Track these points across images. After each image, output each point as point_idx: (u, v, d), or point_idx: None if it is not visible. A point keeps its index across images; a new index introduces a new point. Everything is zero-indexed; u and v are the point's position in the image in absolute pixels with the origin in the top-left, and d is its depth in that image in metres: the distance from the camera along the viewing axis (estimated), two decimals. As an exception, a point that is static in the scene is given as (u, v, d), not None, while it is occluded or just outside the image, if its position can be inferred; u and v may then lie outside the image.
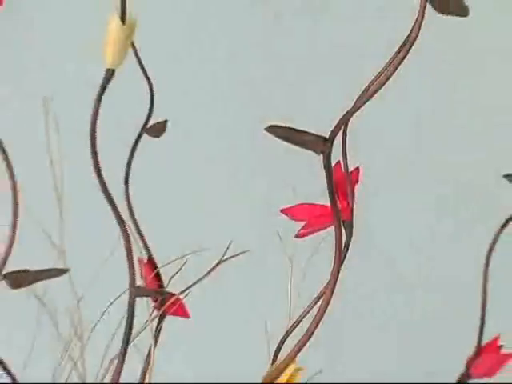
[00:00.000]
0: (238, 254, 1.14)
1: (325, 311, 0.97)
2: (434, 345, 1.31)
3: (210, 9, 1.58)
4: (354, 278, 1.08)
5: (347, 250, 0.99)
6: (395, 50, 0.91)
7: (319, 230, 1.00)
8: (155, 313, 1.09)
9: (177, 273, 1.10)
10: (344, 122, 0.93)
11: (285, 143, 0.94)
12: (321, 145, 0.95)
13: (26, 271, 1.00)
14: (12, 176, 0.89)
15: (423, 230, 1.49)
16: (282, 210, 1.01)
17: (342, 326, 1.22)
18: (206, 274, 1.10)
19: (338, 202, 0.97)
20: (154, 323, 1.09)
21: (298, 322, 1.01)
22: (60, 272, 1.01)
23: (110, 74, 0.95)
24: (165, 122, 1.11)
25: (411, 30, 0.91)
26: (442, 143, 1.55)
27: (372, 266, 1.28)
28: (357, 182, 1.00)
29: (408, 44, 0.90)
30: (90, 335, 1.11)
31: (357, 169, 0.99)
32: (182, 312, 1.11)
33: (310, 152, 0.95)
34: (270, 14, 1.57)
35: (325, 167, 0.94)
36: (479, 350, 1.07)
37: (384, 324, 1.50)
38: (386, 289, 1.47)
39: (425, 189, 1.53)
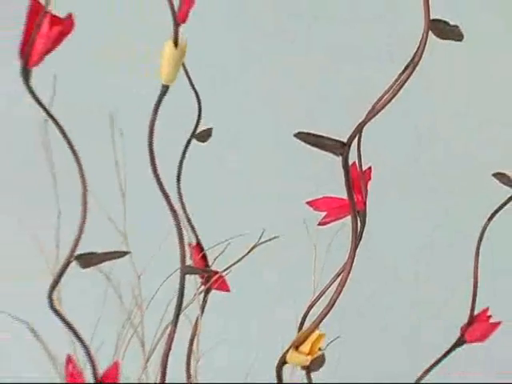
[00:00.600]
0: (269, 239, 1.17)
1: (343, 286, 0.99)
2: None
3: (249, 25, 1.58)
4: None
5: (361, 235, 1.00)
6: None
7: (338, 219, 1.03)
8: (202, 288, 1.12)
9: (220, 255, 1.12)
10: (358, 130, 0.95)
11: (310, 147, 0.97)
12: (340, 148, 0.97)
13: (94, 253, 1.02)
14: (82, 175, 0.91)
15: (421, 237, 1.49)
16: (307, 202, 1.03)
17: (344, 324, 1.22)
18: (244, 256, 1.12)
19: (354, 196, 0.99)
20: (201, 296, 1.12)
21: (320, 296, 1.03)
22: (123, 254, 1.03)
23: (165, 89, 0.97)
24: (210, 129, 1.13)
25: (415, 54, 0.94)
26: (441, 153, 1.55)
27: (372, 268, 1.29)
28: (369, 179, 1.02)
29: (412, 66, 0.92)
30: (148, 306, 1.13)
31: (369, 168, 1.01)
32: (223, 287, 1.14)
33: (330, 154, 0.98)
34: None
35: (343, 166, 0.96)
36: (472, 320, 1.09)
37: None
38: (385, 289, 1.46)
39: (423, 198, 1.53)
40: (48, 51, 0.96)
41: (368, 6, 1.57)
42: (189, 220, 1.10)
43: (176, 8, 1.00)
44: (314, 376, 1.05)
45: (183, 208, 1.08)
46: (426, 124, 1.38)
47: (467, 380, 1.26)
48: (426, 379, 1.13)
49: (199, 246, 1.12)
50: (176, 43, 0.99)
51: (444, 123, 1.44)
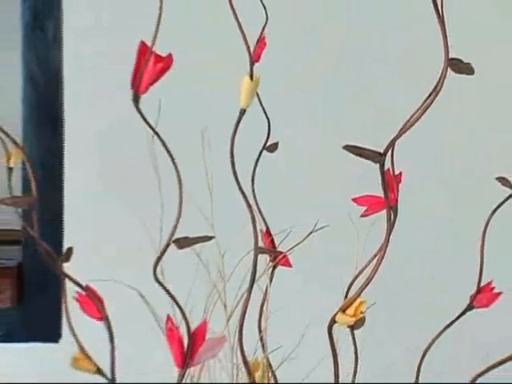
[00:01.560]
0: (322, 227, 1.18)
1: (380, 263, 1.01)
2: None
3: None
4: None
5: (393, 224, 1.01)
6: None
7: (376, 212, 1.04)
8: (270, 264, 1.14)
9: (284, 239, 1.14)
10: (392, 144, 0.96)
11: (355, 156, 0.99)
12: (378, 157, 0.99)
13: (187, 237, 1.04)
14: (179, 177, 0.93)
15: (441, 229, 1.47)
16: (352, 199, 1.05)
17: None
18: (303, 240, 1.14)
19: (389, 194, 1.01)
20: (269, 271, 1.14)
21: (361, 271, 1.04)
22: (210, 238, 1.05)
23: (242, 112, 0.99)
24: (277, 143, 1.15)
25: (437, 84, 0.95)
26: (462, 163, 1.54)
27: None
28: (400, 181, 1.03)
29: (434, 93, 0.93)
30: (230, 278, 1.15)
31: (400, 173, 1.02)
32: (287, 264, 1.15)
33: (370, 162, 0.99)
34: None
35: (380, 171, 0.98)
36: (479, 290, 1.10)
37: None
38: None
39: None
40: (153, 82, 0.99)
41: (397, 44, 1.56)
42: (260, 212, 1.11)
43: (252, 50, 1.03)
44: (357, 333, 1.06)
45: (256, 203, 1.10)
46: (445, 139, 1.37)
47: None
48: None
49: (268, 232, 1.15)
50: (251, 77, 1.01)
51: (459, 138, 1.43)
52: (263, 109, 1.08)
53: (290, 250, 1.13)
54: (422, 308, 1.30)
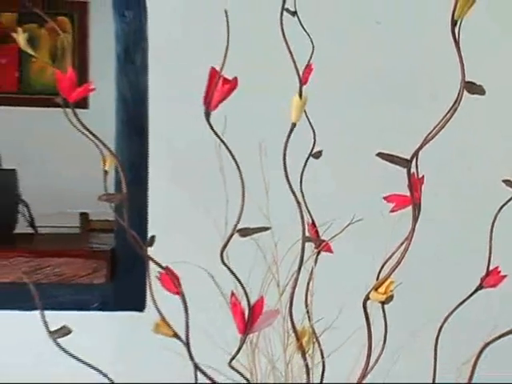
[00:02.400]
0: (358, 220, 1.18)
1: (406, 251, 1.00)
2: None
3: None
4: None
5: (417, 218, 1.00)
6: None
7: (403, 208, 1.03)
8: (315, 250, 1.13)
9: (326, 229, 1.14)
10: (416, 152, 0.95)
11: (385, 161, 0.98)
12: (405, 163, 0.98)
13: (248, 228, 1.04)
14: (242, 179, 0.94)
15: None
16: (383, 197, 1.04)
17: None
18: (342, 231, 1.13)
19: (414, 194, 1.00)
20: (314, 256, 1.14)
21: (391, 257, 1.03)
22: (266, 229, 1.05)
23: (293, 125, 0.99)
24: (321, 151, 1.15)
25: (455, 102, 0.94)
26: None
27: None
28: (423, 183, 1.01)
29: (452, 110, 0.93)
30: (282, 262, 1.15)
31: (423, 176, 1.01)
32: (329, 250, 1.14)
33: (398, 167, 0.99)
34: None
35: (407, 175, 0.97)
36: (488, 273, 1.09)
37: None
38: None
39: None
40: (221, 100, 0.99)
41: (418, 68, 1.54)
42: (307, 208, 1.11)
43: (301, 74, 1.03)
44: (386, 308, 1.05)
45: (304, 200, 1.10)
46: (460, 148, 1.35)
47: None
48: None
49: (314, 224, 1.15)
50: (300, 97, 1.01)
51: (472, 148, 1.42)
52: (310, 122, 1.08)
53: (331, 239, 1.13)
54: (441, 287, 1.28)
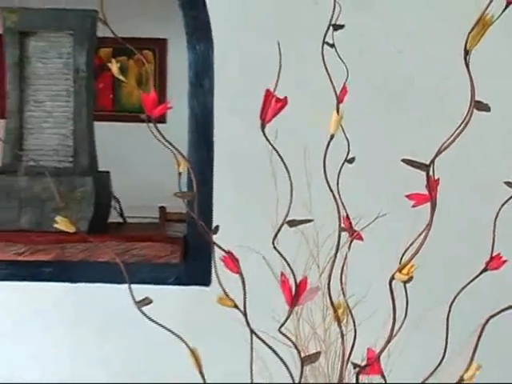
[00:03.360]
0: (384, 214, 1.16)
1: (425, 239, 0.98)
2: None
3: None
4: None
5: (434, 211, 0.98)
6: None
7: (421, 204, 1.01)
8: (349, 238, 1.10)
9: (358, 222, 1.11)
10: (434, 159, 0.93)
11: (408, 166, 0.96)
12: (425, 167, 0.96)
13: (295, 220, 1.03)
14: (290, 179, 0.93)
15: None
16: (406, 195, 1.01)
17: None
18: (371, 223, 1.12)
19: (432, 192, 0.98)
20: (348, 243, 1.10)
21: (411, 244, 1.01)
22: (309, 221, 1.04)
23: (331, 136, 0.97)
24: (354, 158, 1.13)
25: (465, 117, 0.92)
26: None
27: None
28: (438, 184, 0.99)
29: (464, 124, 0.90)
30: (322, 248, 1.14)
31: (438, 178, 0.98)
32: (360, 238, 1.10)
33: (419, 170, 0.97)
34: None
35: (426, 177, 0.95)
36: (492, 258, 1.06)
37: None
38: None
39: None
40: (274, 115, 0.98)
41: (430, 86, 1.52)
42: (342, 203, 1.09)
43: (338, 94, 1.01)
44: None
45: (340, 197, 1.07)
46: (470, 155, 1.32)
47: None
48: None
49: (348, 217, 1.12)
50: (338, 112, 1.00)
51: (480, 155, 1.40)
52: (344, 134, 1.06)
53: (362, 229, 1.10)
54: (452, 269, 1.25)
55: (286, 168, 1.03)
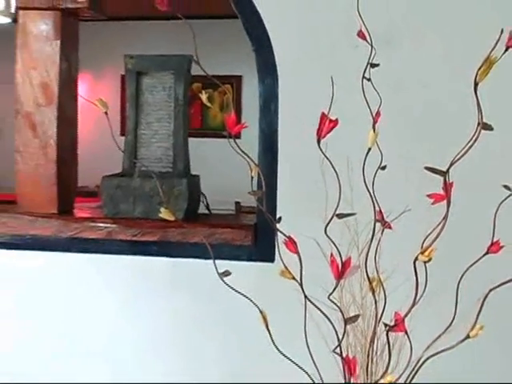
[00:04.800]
0: (409, 210, 1.14)
1: (442, 229, 0.97)
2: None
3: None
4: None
5: (449, 207, 0.96)
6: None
7: (439, 202, 0.98)
8: (381, 227, 1.07)
9: (389, 215, 1.09)
10: (449, 167, 0.92)
11: (429, 172, 0.95)
12: (442, 173, 0.95)
13: (341, 213, 1.03)
14: (339, 182, 0.93)
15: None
16: (427, 195, 0.99)
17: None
18: (398, 216, 1.10)
19: (448, 192, 0.96)
20: (381, 231, 1.08)
21: (430, 233, 1.00)
22: (352, 214, 1.04)
23: (369, 149, 0.98)
24: (385, 165, 1.11)
25: (474, 133, 0.91)
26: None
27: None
28: (452, 186, 0.97)
29: (474, 139, 0.89)
30: (360, 234, 1.13)
31: (452, 182, 0.96)
32: (390, 227, 1.07)
33: (438, 176, 0.95)
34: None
35: (443, 181, 0.94)
36: (492, 243, 1.03)
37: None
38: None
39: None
40: (327, 133, 0.99)
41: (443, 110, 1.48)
42: (377, 201, 1.06)
43: (374, 117, 1.01)
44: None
45: (375, 196, 1.05)
46: (479, 163, 1.26)
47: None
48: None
49: (381, 211, 1.08)
50: (374, 131, 0.99)
51: (486, 164, 1.35)
52: (378, 147, 1.05)
53: (392, 220, 1.08)
54: (462, 253, 1.19)
55: (336, 173, 1.03)
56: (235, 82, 4.27)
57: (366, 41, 1.09)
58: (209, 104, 1.18)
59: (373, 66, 1.09)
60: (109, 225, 1.73)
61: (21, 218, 1.78)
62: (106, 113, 1.11)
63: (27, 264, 1.80)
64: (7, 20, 1.62)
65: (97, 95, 1.17)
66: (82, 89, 2.19)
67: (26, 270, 1.81)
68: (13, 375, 1.82)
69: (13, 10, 1.60)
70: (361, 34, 1.10)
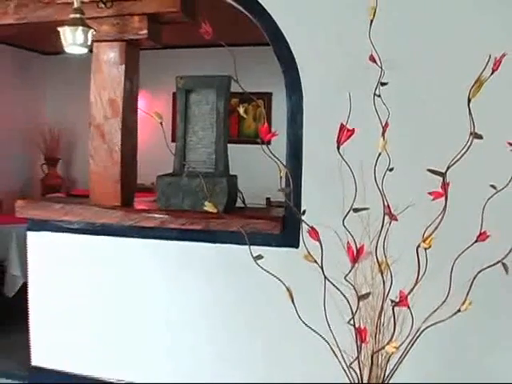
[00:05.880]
0: (413, 204, 1.13)
1: (440, 222, 0.95)
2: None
3: None
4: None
5: (446, 204, 0.96)
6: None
7: (438, 198, 0.98)
8: (388, 219, 1.07)
9: (396, 209, 1.08)
10: (446, 170, 0.92)
11: (430, 173, 0.94)
12: (442, 174, 0.95)
13: (357, 208, 1.02)
14: (355, 182, 0.93)
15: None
16: (428, 192, 0.99)
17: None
18: (403, 210, 1.09)
19: (445, 191, 0.96)
20: (388, 223, 1.07)
21: (431, 224, 0.99)
22: (366, 208, 1.03)
23: (379, 154, 0.96)
24: (393, 168, 1.10)
25: (467, 141, 0.89)
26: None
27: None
28: (449, 185, 0.95)
29: (467, 146, 0.88)
30: (371, 225, 1.12)
31: (449, 182, 0.95)
32: (396, 219, 1.06)
33: (438, 177, 0.95)
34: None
35: (442, 180, 0.94)
36: (480, 233, 1.02)
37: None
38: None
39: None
40: (345, 141, 0.99)
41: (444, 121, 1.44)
42: (386, 198, 1.06)
43: (383, 126, 1.01)
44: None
45: (384, 194, 1.05)
46: (473, 165, 1.21)
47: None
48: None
49: (388, 206, 1.07)
50: (383, 138, 0.99)
51: (481, 166, 1.31)
52: (387, 152, 1.04)
53: (398, 214, 1.07)
54: (455, 241, 1.15)
55: (352, 174, 1.03)
56: (266, 97, 4.30)
57: (376, 63, 1.09)
58: (245, 116, 1.20)
59: (382, 84, 1.09)
60: (162, 215, 1.74)
61: (93, 209, 1.83)
62: (161, 123, 1.15)
63: (97, 246, 1.84)
64: (85, 51, 1.67)
65: (153, 109, 1.19)
66: (141, 104, 2.21)
67: (96, 251, 1.85)
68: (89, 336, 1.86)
69: (89, 42, 1.65)
70: (371, 58, 1.10)
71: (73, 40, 1.63)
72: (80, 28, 1.63)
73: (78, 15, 1.66)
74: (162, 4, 1.75)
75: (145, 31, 1.78)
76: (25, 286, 2.20)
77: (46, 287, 1.91)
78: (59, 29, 1.64)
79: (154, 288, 1.80)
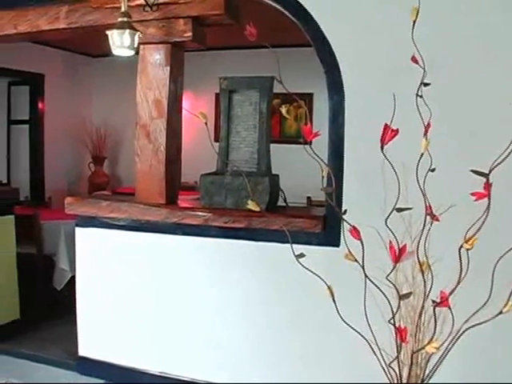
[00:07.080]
0: (455, 205, 1.13)
1: (483, 223, 0.95)
2: None
3: None
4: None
5: (489, 205, 0.95)
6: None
7: (481, 199, 0.97)
8: (430, 220, 1.06)
9: (438, 209, 1.08)
10: (490, 171, 0.92)
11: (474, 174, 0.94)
12: (485, 175, 0.95)
13: (400, 208, 1.02)
14: (398, 181, 0.93)
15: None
16: (471, 193, 0.98)
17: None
18: (445, 211, 1.09)
19: (488, 191, 0.96)
20: (430, 223, 1.06)
21: (473, 225, 0.98)
22: (409, 208, 1.05)
23: (421, 154, 0.97)
24: (435, 168, 1.10)
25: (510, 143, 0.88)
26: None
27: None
28: (491, 186, 0.95)
29: (510, 150, 0.88)
30: (413, 225, 1.11)
31: (491, 182, 0.95)
32: (437, 220, 1.07)
33: (481, 177, 0.95)
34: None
35: (485, 181, 0.94)
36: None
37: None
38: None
39: None
40: (389, 141, 1.00)
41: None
42: (427, 199, 1.07)
43: (425, 127, 1.01)
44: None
45: (425, 194, 1.06)
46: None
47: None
48: None
49: (430, 206, 1.08)
50: (426, 139, 1.00)
51: None
52: (429, 152, 1.04)
53: (440, 214, 1.08)
54: (498, 242, 1.11)
55: (396, 173, 1.03)
56: (308, 98, 4.32)
57: (419, 64, 1.09)
58: (287, 116, 1.20)
59: (425, 85, 1.09)
60: (205, 213, 1.77)
61: (138, 207, 1.88)
62: (206, 123, 1.16)
63: (142, 242, 1.89)
64: (132, 53, 1.73)
65: (196, 110, 1.21)
66: (185, 105, 2.26)
67: (142, 247, 1.90)
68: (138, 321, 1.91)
69: (135, 45, 1.71)
70: (413, 59, 1.10)
71: (120, 42, 1.69)
72: (127, 31, 1.69)
73: (125, 19, 1.71)
74: (207, 7, 1.79)
75: (189, 34, 1.82)
76: (72, 280, 2.28)
77: (93, 281, 1.98)
78: (107, 32, 1.71)
79: (196, 284, 1.83)
